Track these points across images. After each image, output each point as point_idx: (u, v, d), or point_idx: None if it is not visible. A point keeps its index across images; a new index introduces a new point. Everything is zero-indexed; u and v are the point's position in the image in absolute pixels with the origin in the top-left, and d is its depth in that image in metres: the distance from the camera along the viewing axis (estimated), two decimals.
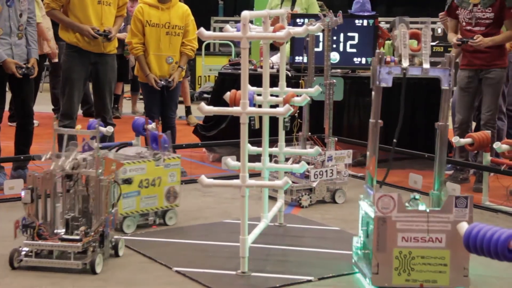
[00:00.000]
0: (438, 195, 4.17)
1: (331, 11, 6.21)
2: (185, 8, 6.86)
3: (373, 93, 4.25)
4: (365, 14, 7.98)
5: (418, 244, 3.90)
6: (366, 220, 4.21)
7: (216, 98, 7.72)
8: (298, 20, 7.47)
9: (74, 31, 6.41)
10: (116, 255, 4.48)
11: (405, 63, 4.13)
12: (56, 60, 8.65)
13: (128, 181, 4.95)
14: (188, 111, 10.10)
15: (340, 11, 6.20)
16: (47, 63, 9.70)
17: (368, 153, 4.30)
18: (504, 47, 6.60)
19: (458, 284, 3.92)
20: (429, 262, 3.91)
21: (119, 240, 4.53)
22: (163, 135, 5.33)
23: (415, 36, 4.28)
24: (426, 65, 4.13)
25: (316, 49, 6.33)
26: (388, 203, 3.86)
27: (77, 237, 4.23)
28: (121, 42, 9.02)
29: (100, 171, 4.29)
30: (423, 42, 4.20)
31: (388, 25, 10.33)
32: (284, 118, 4.87)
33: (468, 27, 6.50)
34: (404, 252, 3.86)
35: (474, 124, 7.22)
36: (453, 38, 6.68)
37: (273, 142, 5.03)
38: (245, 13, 4.11)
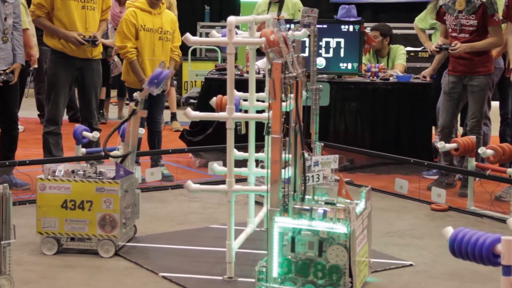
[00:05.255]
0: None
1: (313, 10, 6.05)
2: (172, 14, 6.88)
3: (273, 107, 3.76)
4: (351, 19, 8.02)
5: (361, 246, 3.91)
6: (308, 239, 3.80)
7: (202, 103, 7.72)
8: None
9: (60, 38, 6.37)
10: None
11: (295, 71, 3.85)
12: (36, 66, 8.60)
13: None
14: (173, 117, 10.11)
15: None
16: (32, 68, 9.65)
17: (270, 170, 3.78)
18: (488, 54, 6.55)
19: (369, 272, 3.99)
20: (363, 259, 3.95)
21: None
22: None
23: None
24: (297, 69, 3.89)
25: (302, 55, 6.31)
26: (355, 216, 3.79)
27: None
28: (103, 46, 9.00)
29: None
30: (290, 46, 3.92)
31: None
32: (268, 124, 4.84)
33: (454, 34, 6.50)
34: (358, 258, 3.85)
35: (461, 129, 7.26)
36: (431, 45, 6.74)
37: (259, 147, 5.04)
38: (231, 19, 4.12)
